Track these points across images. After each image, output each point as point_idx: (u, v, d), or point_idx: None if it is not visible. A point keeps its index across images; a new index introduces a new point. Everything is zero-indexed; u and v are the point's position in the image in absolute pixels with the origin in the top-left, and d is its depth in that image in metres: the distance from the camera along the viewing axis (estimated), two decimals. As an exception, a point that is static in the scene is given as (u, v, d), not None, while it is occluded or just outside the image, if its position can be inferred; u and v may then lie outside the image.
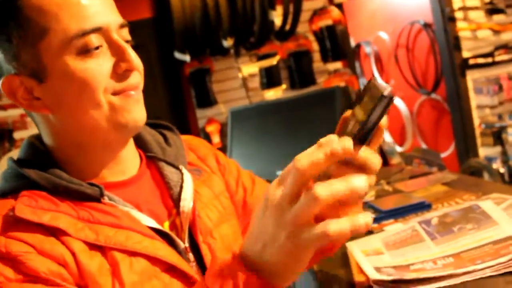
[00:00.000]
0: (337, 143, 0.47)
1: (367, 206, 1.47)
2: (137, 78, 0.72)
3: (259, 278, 0.52)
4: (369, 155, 0.50)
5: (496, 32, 3.62)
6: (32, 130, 2.66)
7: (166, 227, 0.76)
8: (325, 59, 3.35)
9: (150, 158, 0.83)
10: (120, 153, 0.76)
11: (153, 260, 0.68)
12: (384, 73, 4.73)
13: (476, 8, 3.59)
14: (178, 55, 2.93)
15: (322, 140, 0.49)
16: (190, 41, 2.87)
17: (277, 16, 2.95)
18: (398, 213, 1.36)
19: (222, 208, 0.86)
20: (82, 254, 0.64)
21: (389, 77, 4.67)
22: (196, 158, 0.91)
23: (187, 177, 0.81)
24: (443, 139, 4.09)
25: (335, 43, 3.31)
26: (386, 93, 0.47)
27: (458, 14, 3.58)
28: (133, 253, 0.67)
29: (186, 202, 0.78)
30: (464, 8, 3.56)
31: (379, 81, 0.50)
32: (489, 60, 3.58)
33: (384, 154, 2.12)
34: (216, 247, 0.78)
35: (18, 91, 0.69)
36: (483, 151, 3.65)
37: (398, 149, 4.43)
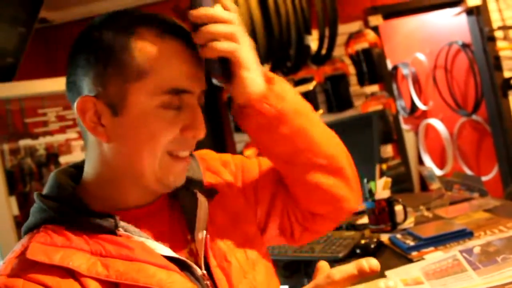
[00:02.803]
0: (366, 263, 0.55)
1: (407, 233, 1.45)
2: (194, 144, 0.75)
3: None
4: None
5: (538, 51, 3.52)
6: (77, 155, 2.72)
7: (184, 254, 0.76)
8: (362, 82, 3.34)
9: None
10: (141, 186, 0.76)
11: None
12: (423, 95, 4.67)
13: (516, 27, 3.52)
14: (215, 80, 2.99)
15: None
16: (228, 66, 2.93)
17: (313, 41, 2.98)
18: (439, 241, 1.34)
19: (239, 231, 0.85)
20: None
21: (428, 99, 4.60)
22: (211, 174, 0.90)
23: (202, 202, 0.80)
24: (485, 162, 3.98)
25: (372, 66, 3.31)
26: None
27: (498, 34, 3.51)
28: (146, 286, 0.66)
29: (201, 227, 0.78)
30: (504, 27, 3.49)
31: None
32: (532, 79, 3.49)
33: (423, 180, 2.09)
34: (232, 270, 0.77)
35: (89, 112, 0.71)
36: (529, 174, 3.53)
37: (439, 172, 4.33)
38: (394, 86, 4.67)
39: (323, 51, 3.06)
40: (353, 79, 3.37)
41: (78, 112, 0.71)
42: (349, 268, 0.54)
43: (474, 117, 3.99)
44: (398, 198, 1.60)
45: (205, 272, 0.75)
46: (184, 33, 0.73)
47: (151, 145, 0.70)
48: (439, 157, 4.52)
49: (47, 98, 2.84)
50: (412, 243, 1.36)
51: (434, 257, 1.22)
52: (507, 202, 1.73)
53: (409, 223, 1.59)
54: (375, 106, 3.28)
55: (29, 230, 0.72)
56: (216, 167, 0.91)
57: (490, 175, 3.81)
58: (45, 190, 0.76)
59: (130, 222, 0.73)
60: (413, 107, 4.69)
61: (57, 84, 2.76)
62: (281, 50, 2.91)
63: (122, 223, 0.71)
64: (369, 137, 1.73)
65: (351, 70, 3.36)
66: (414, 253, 1.31)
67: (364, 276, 0.54)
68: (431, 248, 1.32)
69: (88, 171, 0.77)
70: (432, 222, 1.57)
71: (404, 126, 4.51)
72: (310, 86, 3.06)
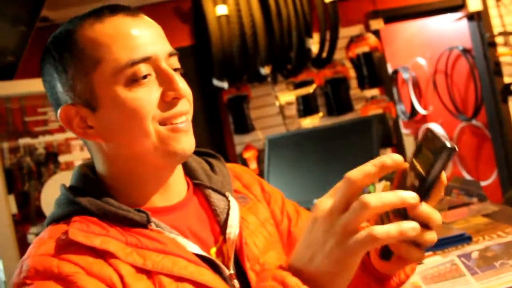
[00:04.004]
0: (387, 157, 0.52)
1: (405, 237, 1.45)
2: (185, 106, 0.74)
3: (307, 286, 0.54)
4: (430, 211, 0.52)
5: (539, 57, 3.53)
6: (76, 154, 2.72)
7: (212, 254, 0.77)
8: (362, 86, 3.35)
9: (196, 185, 0.85)
10: (169, 180, 0.78)
11: (199, 285, 0.69)
12: (423, 99, 4.67)
13: (517, 33, 3.53)
14: (216, 82, 2.99)
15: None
16: (228, 68, 2.93)
17: (314, 44, 2.98)
18: (437, 245, 1.34)
19: (268, 235, 0.86)
20: (129, 277, 0.66)
21: (428, 103, 4.61)
22: (241, 186, 0.92)
23: (234, 204, 0.82)
24: (484, 167, 3.98)
25: (372, 70, 3.31)
26: (448, 145, 0.47)
27: (499, 39, 3.52)
28: (179, 278, 0.68)
29: (233, 229, 0.79)
30: (505, 33, 3.50)
31: (438, 132, 0.50)
32: (532, 86, 3.49)
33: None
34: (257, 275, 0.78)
35: (74, 120, 0.73)
36: (528, 180, 3.53)
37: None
38: (395, 90, 4.68)
39: (324, 54, 3.07)
40: (353, 83, 3.38)
41: (64, 123, 0.73)
42: (368, 166, 0.53)
43: (473, 122, 3.99)
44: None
45: (232, 272, 0.76)
46: (123, 7, 0.74)
47: (137, 123, 0.70)
48: (439, 161, 4.52)
49: (46, 97, 2.85)
50: (410, 247, 1.36)
51: (432, 261, 1.22)
52: (505, 207, 1.73)
53: (407, 227, 1.59)
54: (375, 110, 3.28)
55: (55, 221, 0.73)
56: (249, 181, 0.94)
57: (489, 180, 3.82)
58: (71, 183, 0.78)
59: (157, 217, 0.74)
60: (413, 111, 4.70)
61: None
62: (282, 53, 2.92)
63: (153, 219, 0.73)
64: (368, 141, 1.73)
65: (352, 73, 3.37)
66: (412, 257, 1.31)
67: (386, 171, 0.52)
68: (430, 253, 1.32)
69: (101, 172, 0.78)
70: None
71: (404, 130, 4.51)
72: (310, 89, 3.07)
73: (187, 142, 0.74)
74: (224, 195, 0.83)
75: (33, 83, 2.74)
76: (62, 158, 2.91)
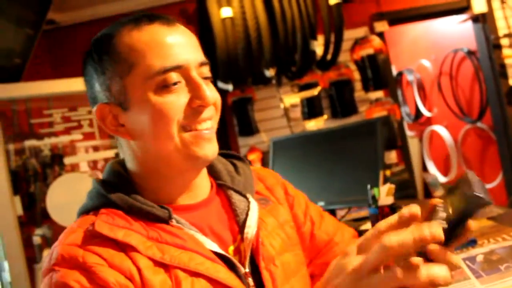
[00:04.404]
0: (427, 230, 0.53)
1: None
2: (209, 113, 0.79)
3: None
4: (451, 257, 0.56)
5: (544, 60, 3.52)
6: (81, 156, 2.72)
7: (230, 252, 0.81)
8: (366, 88, 3.34)
9: (220, 186, 0.90)
10: (193, 181, 0.83)
11: (213, 282, 0.73)
12: (427, 101, 4.66)
13: (523, 35, 3.52)
14: (221, 84, 3.00)
15: (413, 227, 0.54)
16: (232, 71, 2.94)
17: (318, 46, 2.98)
18: (442, 248, 1.34)
19: (286, 237, 0.89)
20: (147, 270, 0.70)
21: (432, 105, 4.60)
22: (264, 188, 0.96)
23: (254, 205, 0.86)
24: (489, 169, 3.96)
25: (377, 72, 3.31)
26: (483, 199, 0.48)
27: (504, 41, 3.51)
28: (195, 274, 0.72)
29: (250, 229, 0.82)
30: (510, 35, 3.49)
31: (475, 180, 0.51)
32: (538, 88, 3.48)
33: (427, 186, 2.09)
34: (277, 274, 0.82)
35: (107, 117, 0.79)
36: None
37: (443, 179, 4.32)
38: (399, 92, 4.67)
39: (329, 57, 3.07)
40: (358, 85, 3.37)
41: (98, 120, 0.80)
42: (392, 217, 0.58)
43: (479, 124, 3.98)
44: (401, 205, 1.60)
45: (248, 271, 0.79)
46: (161, 17, 0.79)
47: (163, 126, 0.75)
48: (443, 163, 4.50)
49: (53, 99, 2.85)
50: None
51: (437, 264, 1.22)
52: (510, 210, 1.73)
53: (412, 229, 1.59)
54: (379, 112, 3.28)
55: (85, 212, 0.80)
56: (272, 183, 0.98)
57: (494, 183, 3.80)
58: (103, 177, 0.84)
59: (178, 214, 0.80)
60: (418, 113, 4.68)
61: (63, 85, 2.78)
62: (286, 55, 2.92)
63: (174, 215, 0.78)
64: (373, 143, 1.73)
65: (356, 75, 3.37)
66: (417, 260, 1.31)
67: (407, 223, 0.56)
68: (434, 255, 1.32)
69: (130, 169, 0.84)
70: (436, 229, 1.57)
71: (409, 133, 4.50)
72: (314, 92, 3.07)
73: (209, 149, 0.78)
74: (245, 196, 0.88)
75: (39, 85, 2.76)
76: (67, 160, 2.93)
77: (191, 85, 0.76)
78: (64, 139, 2.93)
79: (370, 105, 3.35)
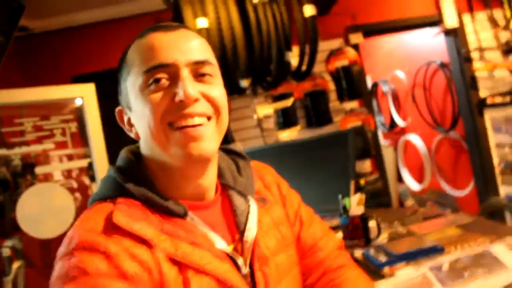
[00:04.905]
0: None
1: (380, 249, 1.46)
2: (199, 109, 0.79)
3: None
4: None
5: (513, 72, 3.62)
6: (55, 165, 2.66)
7: (230, 250, 0.82)
8: (341, 98, 3.38)
9: (222, 185, 0.91)
10: (202, 181, 0.84)
11: (220, 281, 0.75)
12: (402, 111, 4.73)
13: (492, 48, 3.61)
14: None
15: None
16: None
17: (293, 57, 3.01)
18: (411, 257, 1.35)
19: (280, 238, 0.91)
20: (164, 264, 0.72)
21: (407, 115, 4.67)
22: (262, 186, 0.97)
23: (253, 208, 0.88)
24: (462, 177, 4.04)
25: (351, 83, 3.35)
26: None
27: (474, 55, 3.60)
28: (203, 272, 0.74)
29: (251, 232, 0.84)
30: (480, 49, 3.58)
31: None
32: (507, 99, 3.57)
33: (398, 197, 2.12)
34: (270, 275, 0.83)
35: (123, 119, 0.86)
36: (504, 190, 3.59)
37: (417, 187, 4.38)
38: (375, 102, 4.74)
39: (303, 67, 3.09)
40: (332, 95, 3.41)
41: (120, 122, 0.88)
42: None
43: (451, 134, 4.06)
44: (372, 214, 1.62)
45: (248, 271, 0.82)
46: (165, 25, 0.83)
47: (147, 124, 0.79)
48: (418, 172, 4.57)
49: (24, 107, 2.80)
50: (384, 259, 1.37)
51: (405, 273, 1.23)
52: (479, 218, 1.76)
53: (383, 238, 1.61)
54: (354, 122, 3.32)
55: (100, 199, 0.80)
56: (269, 181, 1.00)
57: (466, 190, 3.88)
58: (118, 164, 0.85)
59: (196, 210, 0.82)
60: (393, 123, 4.75)
61: (35, 93, 2.73)
62: (261, 66, 2.93)
63: (189, 212, 0.80)
64: (345, 154, 1.75)
65: (331, 86, 3.40)
66: (386, 269, 1.32)
67: None
68: (403, 263, 1.34)
69: (144, 162, 0.86)
70: (405, 238, 1.59)
71: (384, 142, 4.56)
72: (288, 102, 3.09)
73: (195, 148, 0.78)
74: (245, 197, 0.89)
75: (9, 93, 2.70)
76: (39, 170, 2.87)
77: (176, 82, 0.78)
78: (35, 148, 2.88)
79: (345, 115, 3.38)
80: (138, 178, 0.80)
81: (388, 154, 4.36)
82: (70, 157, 2.99)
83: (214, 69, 0.83)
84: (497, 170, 3.63)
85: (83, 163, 2.96)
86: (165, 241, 0.74)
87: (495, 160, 3.62)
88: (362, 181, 3.19)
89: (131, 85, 0.81)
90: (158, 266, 0.72)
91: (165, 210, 0.78)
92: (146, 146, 0.83)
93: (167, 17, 3.31)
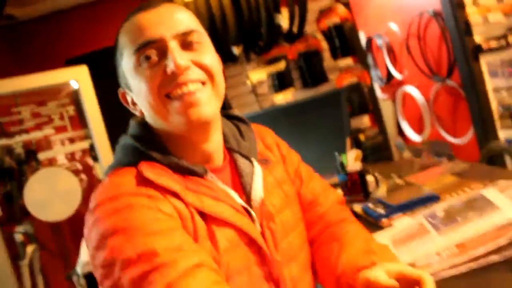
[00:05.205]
0: None
1: (378, 202, 1.50)
2: (192, 76, 0.82)
3: None
4: None
5: (507, 15, 3.56)
6: (57, 149, 2.71)
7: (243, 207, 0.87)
8: (335, 56, 3.37)
9: (227, 149, 0.95)
10: (206, 146, 0.87)
11: (241, 232, 0.81)
12: (398, 64, 4.70)
13: (484, -9, 3.55)
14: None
15: None
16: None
17: (283, 19, 2.98)
18: (407, 207, 1.39)
19: (284, 196, 0.95)
20: (194, 214, 0.78)
21: (403, 67, 4.65)
22: (263, 148, 1.01)
23: (258, 169, 0.92)
24: (461, 125, 4.04)
25: (344, 40, 3.33)
26: None
27: (467, 0, 3.54)
28: (227, 224, 0.80)
29: (257, 192, 0.88)
30: (472, -8, 3.52)
31: None
32: (503, 43, 3.53)
33: (385, 147, 2.16)
34: (276, 231, 0.88)
35: (127, 100, 0.90)
36: (503, 134, 3.60)
37: (417, 138, 4.40)
38: (370, 57, 4.70)
39: (294, 29, 3.07)
40: (326, 54, 3.39)
41: (124, 103, 0.91)
42: None
43: (448, 82, 4.04)
44: (369, 169, 1.65)
45: (259, 229, 0.86)
46: (146, 5, 0.84)
47: (146, 99, 0.82)
48: (417, 123, 4.57)
49: (19, 96, 2.81)
50: (382, 211, 1.41)
51: (402, 223, 1.27)
52: (475, 164, 1.79)
53: (381, 191, 1.64)
54: (349, 79, 3.32)
55: (120, 166, 0.84)
56: (270, 142, 1.04)
57: (466, 138, 3.89)
58: (131, 133, 0.89)
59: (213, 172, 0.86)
60: (389, 76, 4.73)
61: (28, 81, 2.74)
62: (252, 31, 2.92)
63: (209, 171, 0.85)
64: (339, 112, 1.77)
65: (324, 45, 3.38)
66: (384, 221, 1.36)
67: None
68: (400, 214, 1.37)
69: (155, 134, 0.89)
70: (403, 189, 1.62)
71: (382, 96, 4.55)
72: (280, 65, 3.08)
73: (194, 113, 0.81)
74: (250, 160, 0.93)
75: (3, 83, 2.71)
76: (42, 155, 2.91)
77: (166, 55, 0.81)
78: (35, 135, 2.91)
79: (340, 73, 3.37)
80: (154, 144, 0.84)
81: (386, 108, 4.35)
82: (71, 140, 3.02)
83: (202, 37, 0.85)
84: (496, 115, 3.63)
85: (85, 145, 3.00)
86: (190, 196, 0.79)
87: (493, 105, 3.62)
88: (361, 137, 3.21)
89: (126, 66, 0.84)
90: (192, 216, 0.77)
91: (186, 171, 0.83)
92: (150, 120, 0.87)
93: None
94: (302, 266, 0.92)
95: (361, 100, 3.23)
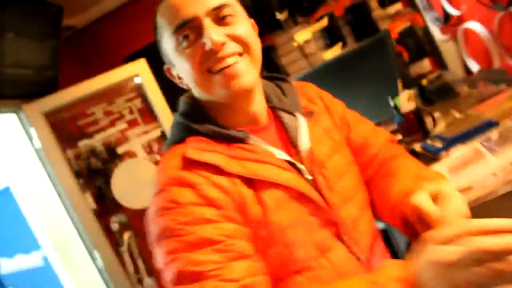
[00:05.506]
0: None
1: (437, 137, 1.49)
2: (229, 49, 0.86)
3: None
4: None
5: None
6: (134, 142, 2.88)
7: (297, 162, 0.91)
8: (383, 4, 3.28)
9: (271, 108, 1.00)
10: (252, 108, 0.93)
11: (288, 188, 0.85)
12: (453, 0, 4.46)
13: None
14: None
15: None
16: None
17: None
18: (465, 137, 1.38)
19: (332, 143, 0.99)
20: (239, 186, 0.83)
21: (459, 2, 4.40)
22: (307, 101, 1.04)
23: (302, 122, 0.97)
24: (532, 50, 3.79)
25: (390, -15, 3.23)
26: None
27: None
28: (272, 184, 0.84)
29: (304, 143, 0.93)
30: None
31: None
32: None
33: (450, 87, 2.10)
34: (329, 175, 0.92)
35: (171, 74, 0.96)
36: None
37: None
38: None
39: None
40: (374, 4, 3.31)
41: (169, 77, 0.98)
42: (490, 223, 0.55)
43: (511, 9, 3.78)
44: (425, 108, 1.64)
45: (311, 178, 0.91)
46: None
47: (191, 77, 0.89)
48: (485, 58, 4.34)
49: (90, 99, 3.03)
50: (440, 146, 1.41)
51: (458, 152, 1.27)
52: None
53: (441, 128, 1.63)
54: (402, 25, 3.22)
55: (174, 143, 0.92)
56: (312, 96, 1.07)
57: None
58: (180, 110, 0.97)
59: (255, 133, 0.92)
60: (447, 15, 4.50)
61: (96, 83, 2.95)
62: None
63: (250, 135, 0.90)
64: (385, 56, 1.76)
65: (370, -6, 3.29)
66: (443, 154, 1.36)
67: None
68: (458, 145, 1.37)
69: (200, 103, 0.96)
70: (462, 122, 1.60)
71: (442, 37, 4.35)
72: (323, 22, 3.05)
73: (236, 84, 0.87)
74: (293, 114, 0.98)
75: (75, 89, 2.94)
76: (120, 149, 3.13)
77: (202, 33, 0.85)
78: (111, 131, 3.13)
79: (391, 20, 3.28)
80: (200, 116, 0.91)
81: (449, 48, 4.17)
82: (145, 132, 3.21)
83: (234, 9, 0.89)
84: None
85: (156, 133, 3.18)
86: (233, 164, 0.84)
87: None
88: (424, 81, 3.13)
89: (167, 46, 0.90)
90: (236, 188, 0.82)
91: (229, 138, 0.88)
92: (196, 93, 0.94)
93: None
94: (360, 206, 0.96)
95: (418, 44, 3.13)
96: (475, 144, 1.22)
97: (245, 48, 0.88)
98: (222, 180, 0.82)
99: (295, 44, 3.20)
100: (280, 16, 2.94)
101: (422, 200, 0.77)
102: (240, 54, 0.87)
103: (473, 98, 1.74)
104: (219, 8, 0.86)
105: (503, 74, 1.77)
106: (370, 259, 0.92)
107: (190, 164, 0.83)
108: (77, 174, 2.96)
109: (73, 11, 3.25)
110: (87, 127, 3.09)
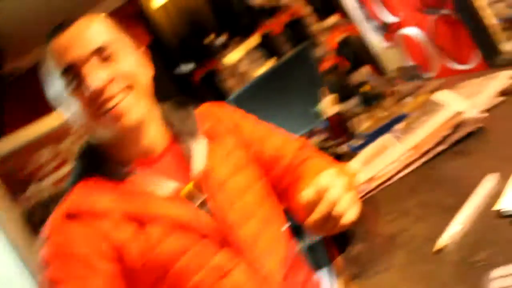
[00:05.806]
0: None
1: (360, 136, 1.56)
2: (112, 90, 0.89)
3: None
4: None
5: None
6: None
7: (187, 188, 0.94)
8: (320, 18, 3.40)
9: (173, 133, 1.01)
10: (143, 142, 0.95)
11: (172, 219, 0.88)
12: (390, 7, 4.64)
13: None
14: (183, 67, 3.10)
15: None
16: (189, 50, 3.04)
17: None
18: (381, 132, 1.45)
19: (234, 163, 1.01)
20: (121, 223, 0.86)
21: (396, 10, 4.58)
22: (214, 122, 1.06)
23: (200, 145, 0.98)
24: (466, 51, 3.96)
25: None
26: None
27: None
28: (157, 216, 0.87)
29: (198, 166, 0.95)
30: None
31: None
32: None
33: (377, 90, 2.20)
34: (229, 195, 0.95)
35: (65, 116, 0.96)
36: (510, 46, 3.51)
37: (428, 75, 4.33)
38: (363, 10, 4.65)
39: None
40: (312, 18, 3.42)
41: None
42: None
43: (443, 12, 3.96)
44: (345, 110, 1.71)
45: (200, 201, 0.93)
46: (61, 25, 0.90)
47: (80, 116, 0.89)
48: (424, 61, 4.50)
49: (39, 140, 2.97)
50: (362, 142, 1.47)
51: (371, 145, 1.33)
52: (449, 78, 1.80)
53: (365, 127, 1.70)
54: (340, 36, 3.34)
55: (68, 187, 0.95)
56: (220, 115, 1.08)
57: (474, 62, 3.80)
58: (76, 155, 0.99)
59: (145, 166, 0.93)
60: (385, 23, 4.67)
61: (47, 124, 2.90)
62: (230, 16, 2.98)
63: (135, 171, 0.92)
64: (309, 68, 1.84)
65: (307, 10, 3.40)
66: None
67: None
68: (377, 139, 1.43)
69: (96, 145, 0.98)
70: (383, 119, 1.67)
71: (385, 44, 4.50)
72: (255, 40, 3.14)
73: (123, 123, 0.90)
74: (194, 137, 0.99)
75: (23, 133, 2.89)
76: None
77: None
78: (56, 175, 3.07)
79: (330, 32, 3.40)
80: (93, 158, 0.95)
81: (391, 55, 4.31)
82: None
83: (117, 45, 0.91)
84: (498, 29, 3.54)
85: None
86: (119, 201, 0.87)
87: (493, 20, 3.54)
88: (367, 88, 3.23)
89: (56, 87, 0.91)
90: (117, 229, 0.85)
91: (116, 175, 0.91)
92: (88, 135, 0.97)
93: (131, 8, 3.39)
94: (262, 221, 0.98)
95: (356, 53, 3.25)
96: (386, 136, 1.28)
97: (131, 82, 0.91)
98: (103, 224, 0.85)
99: (223, 65, 3.26)
100: (221, 40, 3.01)
101: (304, 194, 0.79)
102: (129, 87, 0.90)
103: (396, 96, 1.82)
104: (101, 48, 0.89)
105: (414, 69, 1.87)
106: (287, 275, 0.95)
107: (69, 216, 0.87)
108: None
109: (16, 52, 3.24)
110: (35, 172, 3.03)
